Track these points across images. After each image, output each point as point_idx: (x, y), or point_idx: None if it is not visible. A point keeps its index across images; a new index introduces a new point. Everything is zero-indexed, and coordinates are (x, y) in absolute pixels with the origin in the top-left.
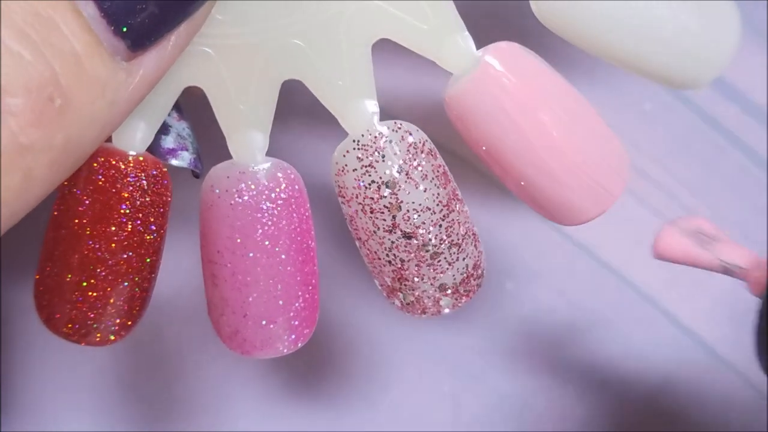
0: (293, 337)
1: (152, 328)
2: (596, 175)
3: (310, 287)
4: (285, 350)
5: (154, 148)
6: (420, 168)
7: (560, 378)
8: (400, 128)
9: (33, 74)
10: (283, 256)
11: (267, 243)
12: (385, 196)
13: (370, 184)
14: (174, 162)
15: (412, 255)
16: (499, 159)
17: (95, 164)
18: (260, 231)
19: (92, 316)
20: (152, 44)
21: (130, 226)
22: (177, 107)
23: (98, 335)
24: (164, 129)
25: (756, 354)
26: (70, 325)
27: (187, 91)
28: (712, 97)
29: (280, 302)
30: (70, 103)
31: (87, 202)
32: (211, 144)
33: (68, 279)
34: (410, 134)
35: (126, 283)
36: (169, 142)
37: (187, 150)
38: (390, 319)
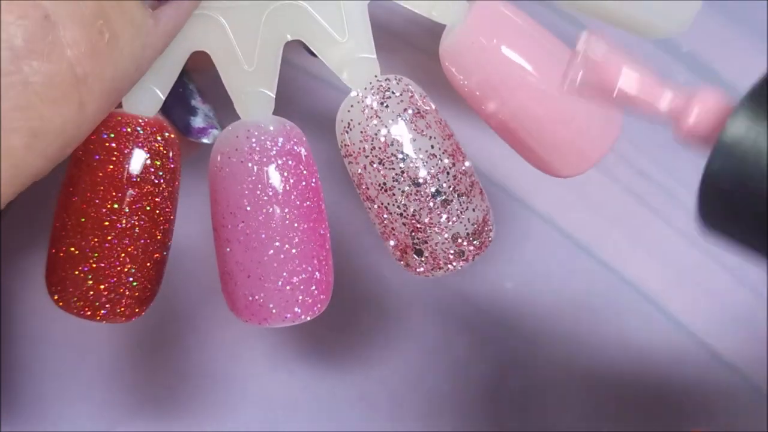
0: (310, 301)
1: (153, 326)
2: (583, 128)
3: (324, 251)
4: (302, 315)
5: (185, 128)
6: (423, 117)
7: (561, 377)
8: (401, 81)
9: (84, 8)
10: (296, 212)
11: (280, 198)
12: (392, 145)
13: (376, 134)
14: (205, 140)
15: (423, 204)
16: (488, 102)
17: (107, 128)
18: (272, 186)
19: (106, 286)
20: None
21: (141, 189)
22: (198, 91)
23: (112, 309)
24: (192, 111)
25: (697, 216)
26: (84, 299)
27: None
28: None
29: (296, 261)
30: (116, 38)
31: (99, 166)
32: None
33: (82, 246)
34: (411, 86)
35: (140, 250)
36: (198, 122)
37: (216, 128)
38: (389, 318)
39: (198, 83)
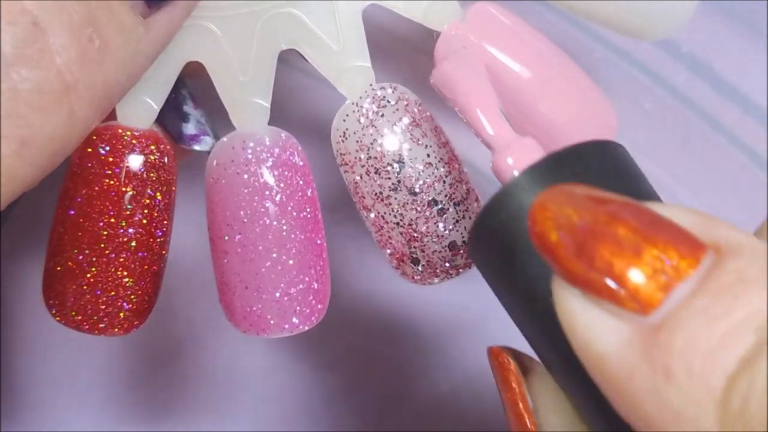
0: (307, 311)
1: (153, 328)
2: (581, 128)
3: (321, 260)
4: (300, 325)
5: (177, 135)
6: (419, 126)
7: None
8: (396, 89)
9: (73, 14)
10: (293, 223)
11: (276, 209)
12: (388, 154)
13: (372, 144)
14: (197, 147)
15: (420, 213)
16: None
17: (102, 140)
18: (269, 197)
19: (104, 299)
20: (165, 2)
21: (138, 202)
22: (191, 96)
23: (111, 322)
24: (184, 117)
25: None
26: (82, 313)
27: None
28: (712, 97)
29: (294, 272)
30: (107, 45)
31: (94, 179)
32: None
33: (79, 260)
34: (406, 95)
35: (137, 263)
36: (190, 128)
37: (208, 135)
38: (388, 321)
39: (192, 89)
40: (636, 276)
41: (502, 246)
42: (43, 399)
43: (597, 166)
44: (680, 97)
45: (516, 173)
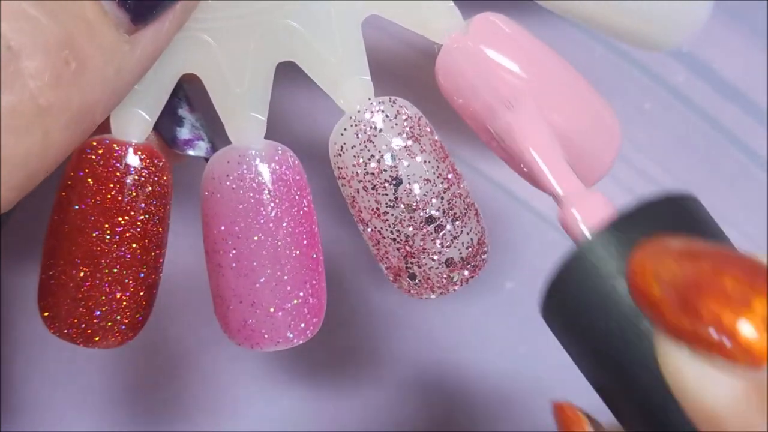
0: (302, 325)
1: (154, 328)
2: (585, 142)
3: (317, 274)
4: (294, 339)
5: (171, 140)
6: (418, 141)
7: (562, 378)
8: (395, 103)
9: (49, 37)
10: (288, 239)
11: (271, 225)
12: (386, 170)
13: (369, 159)
14: (191, 152)
15: (417, 229)
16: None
17: (96, 154)
18: (264, 213)
19: (98, 314)
20: (152, 19)
21: (132, 216)
22: (187, 100)
23: (105, 336)
24: (179, 121)
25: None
26: (76, 327)
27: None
28: (712, 97)
29: (288, 288)
30: (84, 66)
31: (88, 193)
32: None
33: (73, 274)
34: (405, 108)
35: (131, 277)
36: (184, 133)
37: (202, 140)
38: (391, 318)
39: (190, 93)
40: (746, 329)
41: (582, 305)
42: (43, 399)
43: (671, 224)
44: (680, 97)
45: (586, 231)
